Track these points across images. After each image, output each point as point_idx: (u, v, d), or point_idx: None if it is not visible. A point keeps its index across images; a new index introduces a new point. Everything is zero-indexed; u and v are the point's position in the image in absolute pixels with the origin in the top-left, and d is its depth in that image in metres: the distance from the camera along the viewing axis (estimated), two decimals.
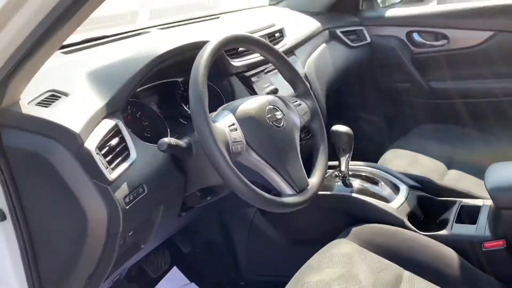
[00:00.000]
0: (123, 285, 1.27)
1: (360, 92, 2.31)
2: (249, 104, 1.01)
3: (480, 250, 1.14)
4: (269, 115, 1.01)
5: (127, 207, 0.86)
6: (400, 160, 1.63)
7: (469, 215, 1.26)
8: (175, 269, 1.64)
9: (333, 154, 1.36)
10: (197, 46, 1.05)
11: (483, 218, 1.22)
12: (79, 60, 1.12)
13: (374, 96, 2.30)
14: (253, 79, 1.35)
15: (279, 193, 0.99)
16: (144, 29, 1.47)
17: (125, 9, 1.69)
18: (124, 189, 0.86)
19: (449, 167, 1.60)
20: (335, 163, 1.39)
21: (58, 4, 0.69)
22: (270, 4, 2.25)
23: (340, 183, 1.37)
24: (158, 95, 1.21)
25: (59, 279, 0.95)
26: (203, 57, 0.93)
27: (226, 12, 1.92)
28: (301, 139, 1.14)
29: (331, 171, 1.46)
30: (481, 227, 1.19)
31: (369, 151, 1.70)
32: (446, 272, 1.08)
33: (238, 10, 2.02)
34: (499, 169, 1.17)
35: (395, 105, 2.27)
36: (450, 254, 1.12)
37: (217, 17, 1.79)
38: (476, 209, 1.27)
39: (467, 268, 1.10)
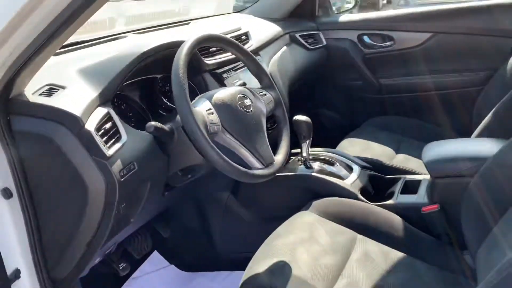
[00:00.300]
0: (112, 261, 1.40)
1: (319, 90, 2.47)
2: (223, 93, 1.17)
3: (419, 214, 1.32)
4: (239, 102, 1.18)
5: (122, 180, 1.00)
6: (354, 147, 1.83)
7: (411, 187, 1.47)
8: (155, 253, 1.77)
9: (296, 144, 1.54)
10: (175, 45, 1.21)
11: (422, 188, 1.42)
12: (69, 60, 1.24)
13: (331, 93, 2.47)
14: (224, 75, 1.50)
15: (250, 168, 1.16)
16: (121, 34, 1.59)
17: (103, 16, 1.80)
18: (119, 164, 1.00)
19: (397, 152, 1.81)
20: (298, 150, 1.58)
21: (64, 9, 0.83)
22: (234, 12, 2.39)
23: (302, 166, 1.55)
24: (140, 90, 1.34)
25: (62, 248, 1.07)
26: (183, 52, 1.09)
27: (195, 19, 2.04)
28: (267, 129, 1.29)
29: (294, 157, 1.64)
30: (420, 196, 1.39)
31: (327, 141, 1.86)
32: (392, 234, 1.26)
33: (206, 17, 2.15)
34: (433, 146, 1.37)
35: (350, 101, 2.45)
36: (396, 219, 1.30)
37: (187, 23, 1.92)
38: (417, 183, 1.47)
39: (410, 229, 1.28)
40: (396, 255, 1.18)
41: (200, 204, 1.69)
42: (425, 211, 1.32)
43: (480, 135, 1.46)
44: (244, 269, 1.14)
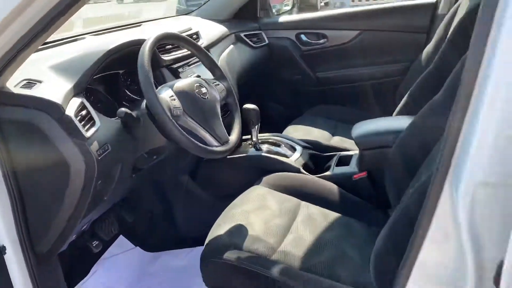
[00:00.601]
0: (86, 239, 1.53)
1: (264, 84, 2.68)
2: (182, 82, 1.34)
3: (351, 181, 1.56)
4: (197, 90, 1.35)
5: (99, 158, 1.14)
6: (297, 132, 2.06)
7: (344, 161, 1.71)
8: (122, 237, 1.91)
9: (246, 132, 1.73)
10: (138, 43, 1.37)
11: (353, 161, 1.67)
12: (37, 59, 1.31)
13: (275, 86, 2.70)
14: (179, 70, 1.65)
15: (209, 145, 1.34)
16: (80, 36, 1.69)
17: None
18: (95, 145, 1.14)
19: (333, 135, 2.07)
20: (248, 136, 1.78)
21: (48, 12, 0.95)
22: (183, 14, 2.55)
23: (252, 148, 1.75)
24: (106, 84, 1.48)
25: (45, 225, 1.18)
26: (146, 48, 1.25)
27: (146, 21, 2.16)
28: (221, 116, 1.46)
29: (245, 142, 1.84)
30: (352, 167, 1.63)
31: (274, 129, 2.06)
32: (330, 199, 1.46)
33: (156, 19, 2.28)
34: (361, 124, 1.61)
35: (292, 93, 2.68)
36: (333, 187, 1.52)
37: (139, 25, 2.04)
38: (349, 157, 1.72)
39: (344, 194, 1.49)
40: (334, 216, 1.38)
41: (162, 189, 1.84)
42: (356, 178, 1.56)
43: (399, 113, 1.72)
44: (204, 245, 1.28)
